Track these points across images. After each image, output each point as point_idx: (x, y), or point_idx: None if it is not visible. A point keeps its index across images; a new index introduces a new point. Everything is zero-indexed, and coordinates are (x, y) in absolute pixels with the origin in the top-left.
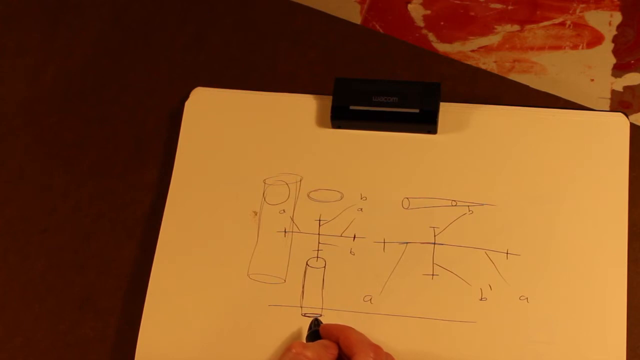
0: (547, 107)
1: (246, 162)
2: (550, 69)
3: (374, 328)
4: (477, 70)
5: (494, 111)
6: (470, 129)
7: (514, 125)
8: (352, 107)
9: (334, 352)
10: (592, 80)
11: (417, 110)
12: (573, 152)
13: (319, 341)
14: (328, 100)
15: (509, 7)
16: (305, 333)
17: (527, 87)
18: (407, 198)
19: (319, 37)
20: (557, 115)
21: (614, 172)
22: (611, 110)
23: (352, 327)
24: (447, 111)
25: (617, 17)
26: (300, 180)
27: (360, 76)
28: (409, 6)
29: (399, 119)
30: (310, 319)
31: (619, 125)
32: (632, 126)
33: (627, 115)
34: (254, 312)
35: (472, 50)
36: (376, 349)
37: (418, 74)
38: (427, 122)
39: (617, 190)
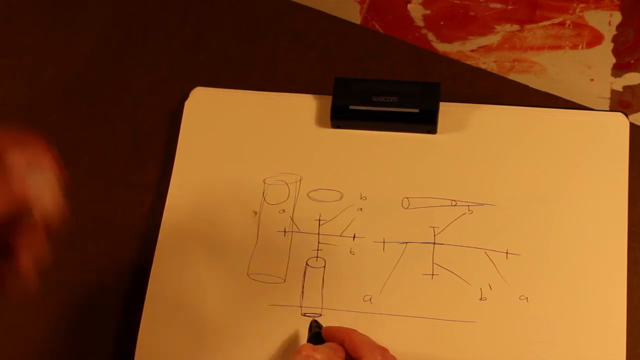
0: (547, 107)
1: (246, 162)
2: (550, 68)
3: (373, 328)
4: (477, 70)
5: (493, 111)
6: (470, 129)
7: (514, 125)
8: (351, 107)
9: (341, 354)
10: (592, 80)
11: (416, 110)
12: (573, 152)
13: (326, 344)
14: (328, 100)
15: (509, 7)
16: (304, 333)
17: (527, 87)
18: (406, 198)
19: (319, 37)
20: (557, 115)
21: (614, 172)
22: (611, 110)
23: (354, 328)
24: (447, 111)
25: (617, 17)
26: (300, 180)
27: (360, 76)
28: (409, 6)
29: (399, 119)
30: (310, 319)
31: (619, 125)
32: (632, 126)
33: (627, 115)
34: (253, 312)
35: (472, 50)
36: (383, 351)
37: (418, 74)
38: (426, 122)
39: (617, 190)
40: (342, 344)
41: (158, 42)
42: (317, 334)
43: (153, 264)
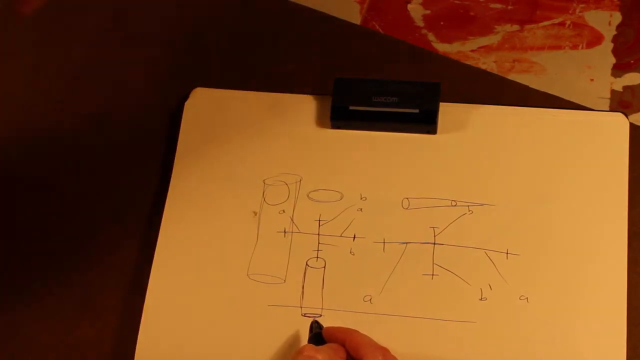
0: (547, 107)
1: (246, 163)
2: (550, 69)
3: (374, 328)
4: (477, 70)
5: (493, 111)
6: (470, 129)
7: (514, 125)
8: (351, 108)
9: (342, 355)
10: (592, 80)
11: (416, 111)
12: (573, 152)
13: (328, 344)
14: (328, 100)
15: (509, 7)
16: (305, 333)
17: (527, 87)
18: (407, 198)
19: (319, 37)
20: (557, 115)
21: (614, 172)
22: (611, 110)
23: (354, 328)
24: (447, 111)
25: (617, 17)
26: (300, 181)
27: (360, 76)
28: (409, 6)
29: (399, 119)
30: (310, 320)
31: (619, 125)
32: (632, 126)
33: (626, 115)
34: (253, 312)
35: (472, 50)
36: (384, 351)
37: (418, 74)
38: (426, 122)
39: (616, 190)
40: (343, 345)
41: (158, 43)
42: (317, 335)
43: (153, 264)
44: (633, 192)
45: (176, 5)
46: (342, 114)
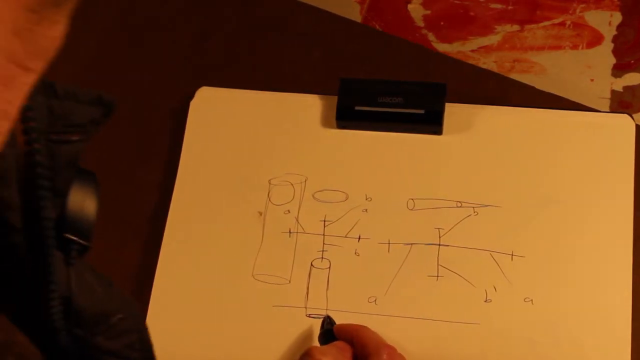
0: (551, 108)
1: (251, 162)
2: (550, 69)
3: (378, 329)
4: (482, 71)
5: (499, 112)
6: (476, 130)
7: (520, 126)
8: (357, 108)
9: (348, 354)
10: (592, 80)
11: (422, 111)
12: (578, 153)
13: (334, 343)
14: (333, 100)
15: (509, 7)
16: (309, 334)
17: (531, 87)
18: (412, 199)
19: (323, 36)
20: (563, 116)
21: (620, 173)
22: (613, 111)
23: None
24: (452, 112)
25: (617, 17)
26: (305, 181)
27: (365, 76)
28: (409, 6)
29: (404, 120)
30: (314, 319)
31: (625, 126)
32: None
33: (632, 117)
34: (258, 312)
35: (472, 50)
36: (390, 349)
37: (423, 74)
38: (432, 123)
39: (622, 191)
40: (351, 342)
41: (163, 42)
42: (328, 331)
43: (158, 264)
44: (638, 194)
45: (181, 4)
46: (347, 114)
